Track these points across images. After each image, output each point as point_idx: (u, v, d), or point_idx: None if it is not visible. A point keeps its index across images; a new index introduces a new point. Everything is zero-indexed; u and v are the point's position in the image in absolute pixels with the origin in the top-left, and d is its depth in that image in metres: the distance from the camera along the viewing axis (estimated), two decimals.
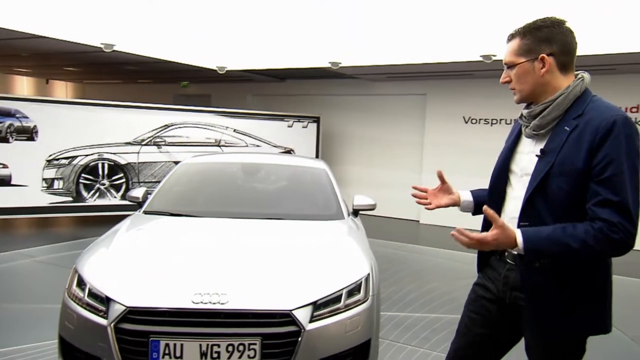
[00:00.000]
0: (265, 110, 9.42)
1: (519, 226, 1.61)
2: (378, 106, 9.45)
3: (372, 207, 3.79)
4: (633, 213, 1.46)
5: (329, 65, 7.31)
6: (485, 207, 1.59)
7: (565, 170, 1.53)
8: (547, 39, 1.59)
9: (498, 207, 1.76)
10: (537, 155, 1.62)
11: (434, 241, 7.31)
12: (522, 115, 1.71)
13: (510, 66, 1.67)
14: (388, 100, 9.38)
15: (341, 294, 2.45)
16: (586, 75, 1.65)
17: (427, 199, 1.97)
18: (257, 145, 8.74)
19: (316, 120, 9.26)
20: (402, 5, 4.36)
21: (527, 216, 1.60)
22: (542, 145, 1.62)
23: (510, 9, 4.14)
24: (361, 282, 2.56)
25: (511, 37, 1.68)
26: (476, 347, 1.82)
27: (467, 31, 5.12)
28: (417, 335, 3.66)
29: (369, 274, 2.63)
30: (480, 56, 6.11)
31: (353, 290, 2.50)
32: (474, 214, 1.96)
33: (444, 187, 1.96)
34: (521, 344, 1.78)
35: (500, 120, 8.06)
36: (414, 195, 1.99)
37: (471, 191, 1.98)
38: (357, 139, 9.68)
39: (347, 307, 2.44)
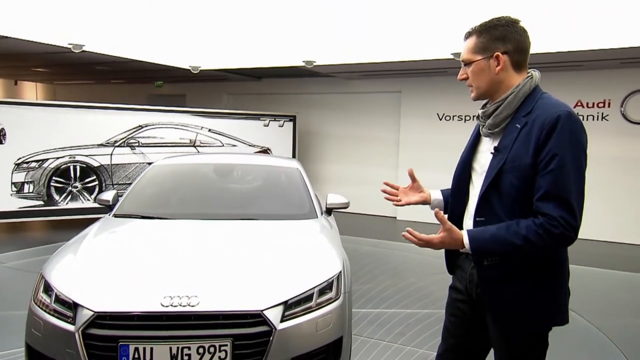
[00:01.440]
0: (241, 109, 9.37)
1: (474, 221, 1.66)
2: (354, 104, 9.50)
3: (346, 206, 3.81)
4: (575, 206, 1.49)
5: (303, 63, 7.31)
6: (436, 210, 1.64)
7: (516, 166, 1.57)
8: (501, 37, 1.63)
9: (462, 206, 1.80)
10: (491, 153, 1.67)
11: None
12: (479, 115, 1.76)
13: (467, 63, 1.70)
14: (364, 98, 9.43)
15: (312, 293, 2.46)
16: (535, 73, 1.68)
17: (397, 195, 2.02)
18: (233, 145, 8.69)
19: (292, 119, 9.25)
20: (374, 4, 4.39)
21: (482, 211, 1.65)
22: (497, 143, 1.66)
23: (480, 7, 4.21)
24: (333, 281, 2.57)
25: (468, 35, 1.72)
26: (457, 350, 1.86)
27: (438, 29, 5.18)
28: (392, 331, 3.71)
29: (340, 272, 2.65)
30: (451, 54, 6.19)
31: (324, 289, 2.52)
32: (444, 212, 2.01)
33: (415, 185, 2.02)
34: None
35: (473, 116, 8.19)
36: (384, 191, 2.04)
37: (441, 190, 2.02)
38: (334, 137, 9.71)
39: (319, 306, 2.45)
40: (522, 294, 1.61)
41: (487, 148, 1.73)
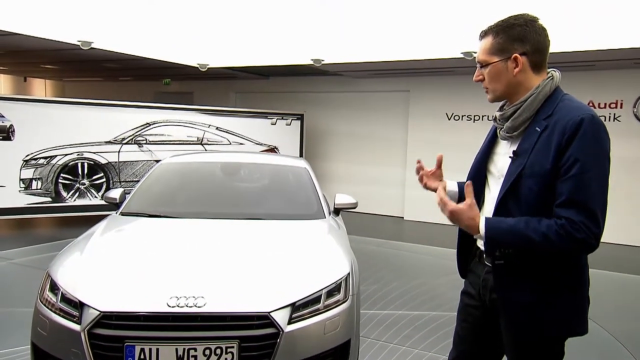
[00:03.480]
0: (249, 107, 9.34)
1: None
2: (362, 103, 9.45)
3: (354, 206, 3.77)
4: (598, 213, 1.44)
5: (311, 62, 7.27)
6: (468, 182, 1.60)
7: (535, 171, 1.51)
8: (520, 38, 1.56)
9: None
10: (510, 157, 1.60)
11: (418, 237, 7.34)
12: (495, 117, 1.70)
13: (483, 65, 1.63)
14: (372, 97, 9.37)
15: (320, 295, 2.42)
16: (556, 74, 1.62)
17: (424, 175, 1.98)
18: (241, 144, 8.67)
19: (300, 117, 9.22)
20: (383, 2, 4.34)
21: (499, 217, 1.58)
22: (516, 147, 1.60)
23: (491, 5, 4.15)
24: (341, 282, 2.54)
25: (484, 34, 1.64)
26: (469, 356, 1.82)
27: (448, 28, 5.12)
28: (399, 334, 3.66)
29: (348, 274, 2.62)
30: (461, 53, 6.13)
31: (333, 291, 2.48)
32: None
33: (437, 172, 1.98)
34: None
35: (483, 116, 8.11)
36: (419, 168, 1.99)
37: (457, 182, 1.98)
38: (341, 136, 9.67)
39: (327, 308, 2.41)
40: (539, 301, 1.55)
41: (504, 151, 1.67)
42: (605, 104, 7.34)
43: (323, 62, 7.29)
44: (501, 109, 1.68)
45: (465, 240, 1.81)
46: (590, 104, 7.35)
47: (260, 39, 6.18)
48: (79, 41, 6.38)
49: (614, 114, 7.31)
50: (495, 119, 1.70)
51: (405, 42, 5.95)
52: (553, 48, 1.65)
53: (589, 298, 1.64)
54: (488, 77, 1.63)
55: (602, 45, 5.63)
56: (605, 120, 7.29)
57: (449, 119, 8.53)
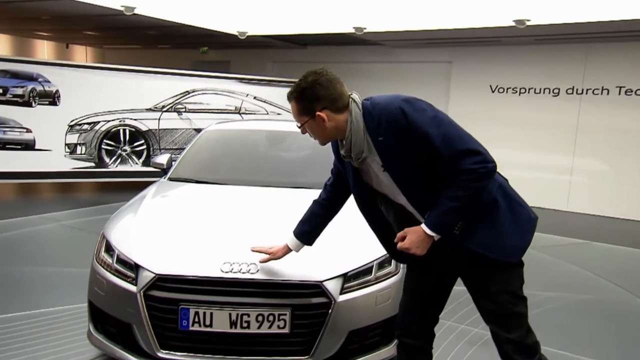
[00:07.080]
0: (286, 77, 9.25)
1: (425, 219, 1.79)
2: (401, 74, 9.20)
3: None
4: (473, 146, 1.69)
5: (353, 30, 7.09)
6: (399, 246, 1.78)
7: (406, 163, 1.74)
8: (314, 98, 1.77)
9: (383, 225, 1.96)
10: (382, 170, 1.79)
11: None
12: (343, 155, 1.85)
13: (301, 125, 1.86)
14: (412, 68, 9.12)
15: (372, 266, 2.40)
16: (355, 95, 1.82)
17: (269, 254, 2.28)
18: (278, 114, 8.63)
19: None
20: None
21: (420, 210, 1.80)
22: (378, 160, 1.79)
23: None
24: None
25: (290, 98, 1.85)
26: (418, 297, 2.02)
27: None
28: (456, 311, 3.60)
29: None
30: (513, 21, 5.83)
31: (384, 263, 2.45)
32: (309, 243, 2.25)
33: (277, 249, 2.28)
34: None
35: (529, 89, 7.77)
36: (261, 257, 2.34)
37: (293, 231, 2.26)
38: None
39: (378, 280, 2.39)
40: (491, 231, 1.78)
41: (369, 170, 1.85)
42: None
43: (365, 31, 7.10)
44: (341, 146, 1.84)
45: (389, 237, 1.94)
46: None
47: (300, 6, 6.04)
48: (122, 6, 6.39)
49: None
50: (344, 157, 1.86)
51: (451, 9, 5.70)
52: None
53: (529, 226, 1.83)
54: (309, 130, 1.87)
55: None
56: (619, 94, 6.89)
57: (493, 92, 8.22)
